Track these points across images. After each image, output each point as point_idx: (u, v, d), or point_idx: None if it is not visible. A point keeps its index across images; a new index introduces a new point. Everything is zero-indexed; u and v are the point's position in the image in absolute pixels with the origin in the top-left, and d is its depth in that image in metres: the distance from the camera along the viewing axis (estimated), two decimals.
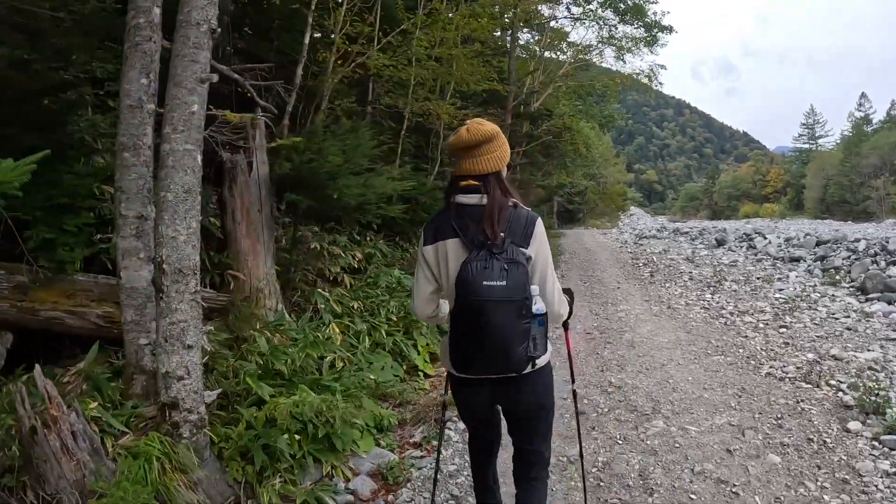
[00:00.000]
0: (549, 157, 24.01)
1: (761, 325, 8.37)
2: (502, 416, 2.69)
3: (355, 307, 6.98)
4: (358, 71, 8.49)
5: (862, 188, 75.60)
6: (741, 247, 18.65)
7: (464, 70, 11.09)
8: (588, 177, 43.81)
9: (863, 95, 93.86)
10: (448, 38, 10.21)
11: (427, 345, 6.98)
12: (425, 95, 10.57)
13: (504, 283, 2.10)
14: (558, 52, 22.45)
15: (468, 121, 2.36)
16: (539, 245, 2.29)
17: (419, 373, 6.47)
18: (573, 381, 3.15)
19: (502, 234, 2.19)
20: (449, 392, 2.75)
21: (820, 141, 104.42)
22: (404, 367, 6.40)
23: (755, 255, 16.48)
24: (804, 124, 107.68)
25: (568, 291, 2.69)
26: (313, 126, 6.19)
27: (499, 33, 15.37)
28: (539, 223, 2.31)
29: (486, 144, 2.30)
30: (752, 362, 6.57)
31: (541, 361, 2.36)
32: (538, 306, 2.23)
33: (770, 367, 6.34)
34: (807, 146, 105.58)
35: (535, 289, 2.23)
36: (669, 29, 18.31)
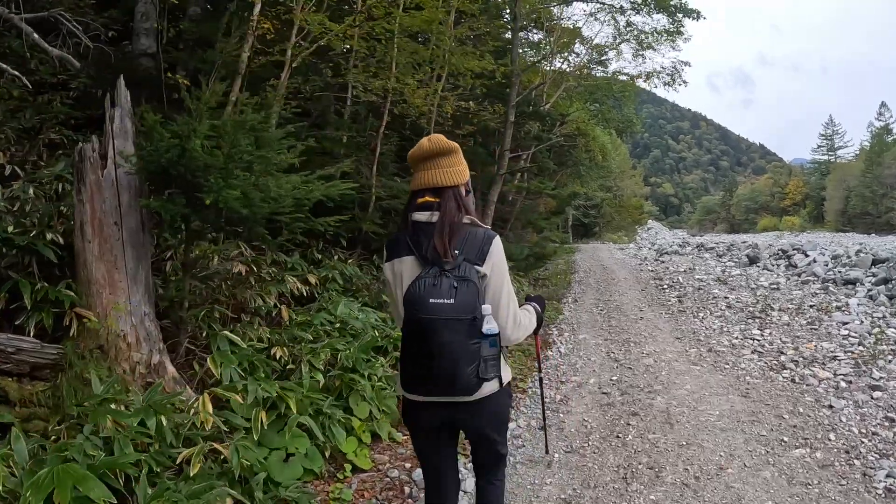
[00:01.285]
0: (562, 164, 21.73)
1: (843, 384, 5.99)
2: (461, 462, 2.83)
3: (279, 356, 4.74)
4: (285, 30, 6.28)
5: (885, 199, 72.78)
6: (778, 265, 16.16)
7: (449, 47, 8.84)
8: (604, 189, 41.29)
9: (882, 105, 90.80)
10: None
11: (370, 417, 4.69)
12: (396, 76, 8.35)
13: (452, 301, 2.00)
14: (571, 55, 20.23)
15: (430, 136, 2.25)
16: (494, 264, 2.15)
17: (348, 464, 4.17)
18: (539, 370, 3.36)
19: (456, 252, 2.08)
20: None
21: (839, 152, 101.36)
22: (328, 452, 4.10)
23: (798, 275, 14.00)
24: (823, 135, 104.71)
25: (538, 299, 2.69)
26: (198, 103, 3.94)
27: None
28: (496, 242, 2.18)
29: (446, 157, 2.24)
30: (858, 464, 4.19)
31: (494, 386, 2.19)
32: (489, 326, 2.09)
33: (890, 474, 3.96)
34: (826, 157, 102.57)
35: (486, 308, 2.09)
36: (697, 14, 15.86)
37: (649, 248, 28.91)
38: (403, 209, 2.33)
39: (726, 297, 11.61)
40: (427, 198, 2.21)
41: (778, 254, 17.30)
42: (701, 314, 10.15)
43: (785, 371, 6.56)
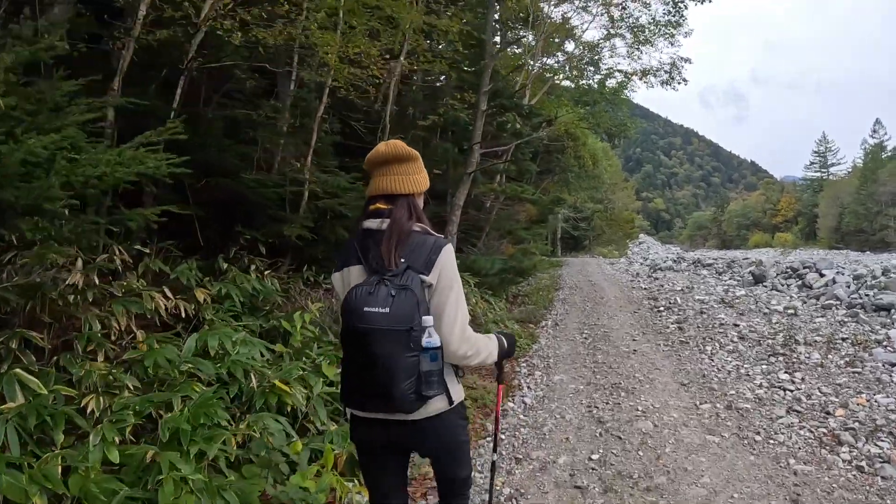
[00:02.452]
0: (548, 171, 19.71)
1: None
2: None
3: (89, 409, 3.06)
4: None
5: (879, 217, 71.43)
6: (788, 285, 14.12)
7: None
8: (595, 200, 39.19)
9: (877, 122, 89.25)
10: None
11: None
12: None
13: (387, 310, 1.84)
14: (559, 53, 18.28)
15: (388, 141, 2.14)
16: (442, 273, 1.98)
17: None
18: (494, 450, 2.61)
19: (402, 261, 1.94)
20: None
21: (832, 169, 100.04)
22: None
23: (815, 298, 11.95)
24: (816, 152, 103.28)
25: (508, 336, 2.35)
26: None
27: None
28: (446, 251, 2.01)
29: (404, 164, 2.10)
30: None
31: (440, 404, 2.01)
32: (430, 339, 1.90)
33: None
34: (818, 174, 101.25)
35: (427, 319, 1.90)
36: None
37: (641, 264, 26.85)
38: (358, 217, 2.19)
39: (736, 325, 9.54)
40: (379, 205, 2.07)
41: (787, 272, 15.25)
42: (708, 347, 8.07)
43: (842, 449, 4.48)
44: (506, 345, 2.30)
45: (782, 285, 14.12)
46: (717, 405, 5.54)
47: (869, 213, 73.08)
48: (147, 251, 5.41)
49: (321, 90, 8.77)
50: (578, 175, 21.99)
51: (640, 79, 16.57)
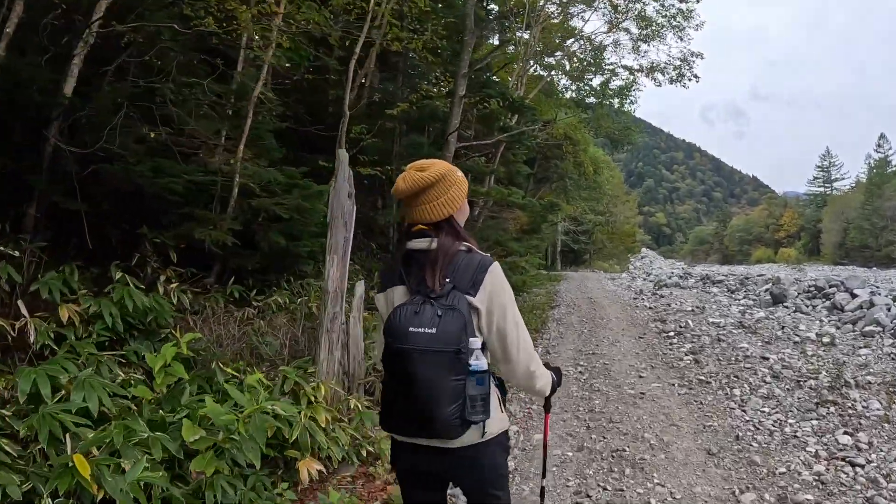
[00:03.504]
0: (546, 180, 18.00)
1: None
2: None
3: None
4: None
5: (885, 232, 69.87)
6: (814, 306, 12.37)
7: None
8: (595, 212, 37.34)
9: (882, 136, 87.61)
10: None
11: None
12: None
13: (433, 330, 1.73)
14: (559, 53, 16.67)
15: (409, 167, 1.97)
16: (492, 294, 1.85)
17: None
18: (543, 476, 2.45)
19: (447, 280, 1.82)
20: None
21: (836, 184, 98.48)
22: None
23: (851, 323, 10.19)
24: (819, 167, 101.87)
25: (555, 370, 2.18)
26: None
27: None
28: (494, 270, 1.87)
29: (430, 191, 1.92)
30: None
31: (483, 431, 1.84)
32: (478, 362, 1.78)
33: None
34: (822, 189, 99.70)
35: (475, 342, 1.78)
36: None
37: (644, 279, 25.06)
38: (399, 238, 2.09)
39: (765, 358, 7.78)
40: (421, 226, 1.93)
41: (810, 291, 13.46)
42: (736, 390, 6.33)
43: None
44: (555, 376, 2.14)
45: (808, 307, 12.35)
46: (766, 496, 3.78)
47: (874, 228, 71.65)
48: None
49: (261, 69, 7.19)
50: (578, 183, 20.23)
51: (647, 75, 14.93)
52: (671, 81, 15.14)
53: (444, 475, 1.96)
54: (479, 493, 1.94)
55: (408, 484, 2.06)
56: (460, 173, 2.02)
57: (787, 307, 12.77)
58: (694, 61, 14.66)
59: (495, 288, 1.85)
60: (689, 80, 14.78)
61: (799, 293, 13.62)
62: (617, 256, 48.29)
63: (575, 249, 42.25)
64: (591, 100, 18.67)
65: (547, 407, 2.38)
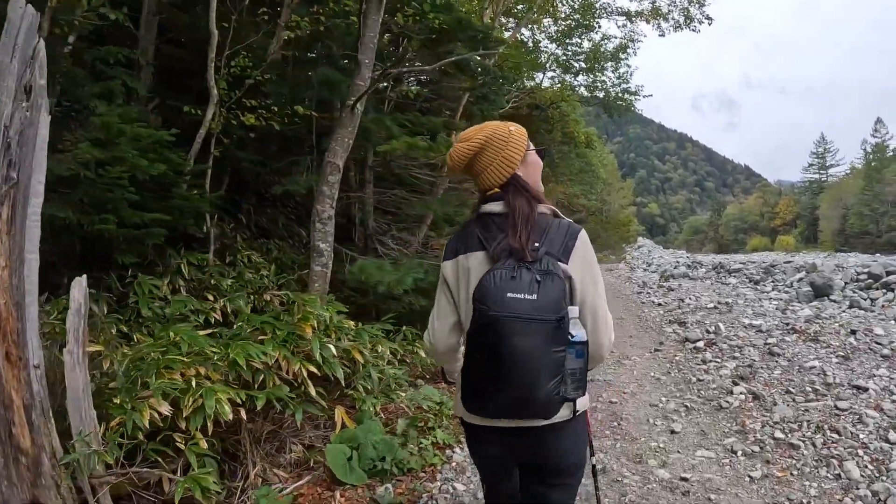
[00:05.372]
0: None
1: None
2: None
3: None
4: None
5: (885, 218, 67.69)
6: (873, 299, 9.49)
7: None
8: (588, 196, 34.14)
9: (878, 121, 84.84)
10: None
11: None
12: None
13: (534, 296, 1.56)
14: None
15: (459, 137, 1.84)
16: (583, 263, 1.74)
17: None
18: (591, 454, 2.04)
19: (537, 244, 1.66)
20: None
21: (831, 171, 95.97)
22: None
23: None
24: (814, 153, 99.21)
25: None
26: None
27: None
28: (583, 236, 1.75)
29: (481, 158, 1.79)
30: None
31: (571, 409, 1.73)
32: (579, 332, 1.65)
33: None
34: (817, 176, 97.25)
35: (573, 310, 1.67)
36: None
37: (646, 270, 22.16)
38: (475, 204, 1.90)
39: (860, 388, 4.90)
40: (496, 189, 1.80)
41: (863, 280, 10.56)
42: (848, 463, 3.44)
43: None
44: None
45: (865, 299, 9.46)
46: None
47: (875, 214, 69.44)
48: None
49: None
50: (568, 160, 17.23)
51: (649, 21, 12.02)
52: (677, 27, 12.32)
53: (521, 457, 1.81)
54: (555, 476, 1.82)
55: (490, 470, 1.93)
56: (513, 126, 1.84)
57: (834, 301, 9.91)
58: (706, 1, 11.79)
59: (587, 256, 1.74)
60: (700, 23, 11.94)
61: (846, 283, 10.73)
62: (612, 247, 45.50)
63: None
64: (581, 64, 15.87)
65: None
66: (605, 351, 1.76)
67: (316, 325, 3.88)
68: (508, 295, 1.55)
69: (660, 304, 11.41)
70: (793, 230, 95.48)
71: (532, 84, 15.39)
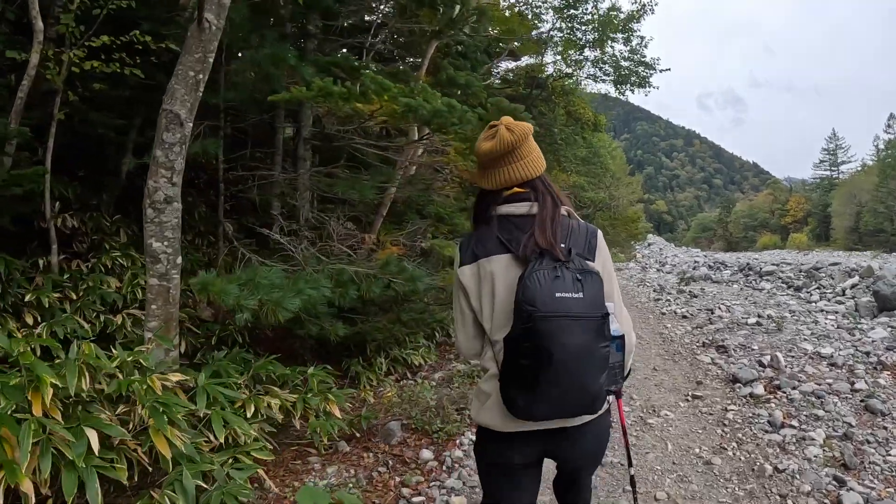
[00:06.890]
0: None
1: None
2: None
3: None
4: None
5: None
6: None
7: None
8: (595, 187, 31.63)
9: (891, 116, 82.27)
10: None
11: None
12: None
13: (580, 295, 1.54)
14: None
15: (500, 124, 1.73)
16: (605, 261, 1.74)
17: None
18: (630, 464, 2.02)
19: (562, 245, 1.64)
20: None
21: (843, 167, 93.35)
22: None
23: None
24: (826, 150, 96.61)
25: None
26: None
27: None
28: (601, 235, 1.78)
29: (526, 143, 1.73)
30: None
31: (611, 399, 1.76)
32: (616, 327, 1.65)
33: None
34: (828, 173, 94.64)
35: (611, 306, 1.65)
36: None
37: (659, 270, 19.91)
38: (475, 209, 1.86)
39: None
40: (517, 189, 1.74)
41: None
42: None
43: None
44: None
45: None
46: None
47: (889, 211, 66.94)
48: None
49: None
50: (571, 140, 14.94)
51: None
52: None
53: (550, 454, 1.75)
54: (593, 465, 1.85)
55: (507, 476, 1.78)
56: None
57: None
58: None
59: (607, 255, 1.75)
60: None
61: None
62: (620, 244, 43.29)
63: None
64: (588, 36, 13.75)
65: (619, 393, 1.80)
66: (633, 341, 1.76)
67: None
68: (557, 294, 1.51)
69: (685, 317, 9.25)
70: (804, 228, 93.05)
71: (532, 62, 13.32)
